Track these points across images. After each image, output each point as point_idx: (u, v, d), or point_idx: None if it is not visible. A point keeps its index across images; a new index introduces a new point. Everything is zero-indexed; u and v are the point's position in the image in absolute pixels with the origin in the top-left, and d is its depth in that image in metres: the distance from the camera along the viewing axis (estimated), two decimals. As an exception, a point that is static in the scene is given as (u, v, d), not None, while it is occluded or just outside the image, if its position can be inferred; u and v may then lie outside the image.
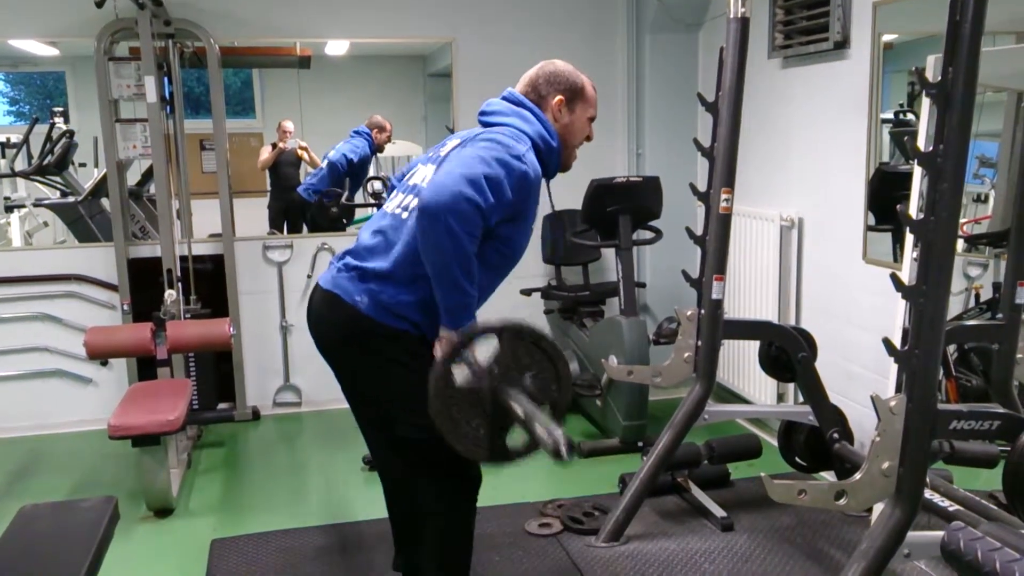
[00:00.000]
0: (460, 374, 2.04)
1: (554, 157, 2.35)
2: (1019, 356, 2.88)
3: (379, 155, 6.31)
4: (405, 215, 2.25)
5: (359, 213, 6.02)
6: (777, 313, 4.10)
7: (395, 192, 2.41)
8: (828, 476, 3.42)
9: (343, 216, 5.88)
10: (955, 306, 3.21)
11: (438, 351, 2.14)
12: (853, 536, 3.14)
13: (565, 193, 4.47)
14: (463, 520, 2.38)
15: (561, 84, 2.37)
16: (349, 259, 2.31)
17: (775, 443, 3.59)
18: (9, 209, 5.80)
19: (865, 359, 3.55)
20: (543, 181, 2.34)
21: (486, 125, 2.34)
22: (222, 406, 4.67)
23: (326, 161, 6.03)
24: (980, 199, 3.42)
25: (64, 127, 5.74)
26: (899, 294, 2.25)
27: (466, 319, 2.14)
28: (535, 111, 2.34)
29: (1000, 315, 2.90)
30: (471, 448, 2.10)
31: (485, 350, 2.06)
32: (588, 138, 2.45)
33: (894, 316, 2.94)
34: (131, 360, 4.50)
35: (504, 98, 2.38)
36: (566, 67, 2.41)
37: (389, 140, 6.08)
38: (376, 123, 6.00)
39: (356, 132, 5.99)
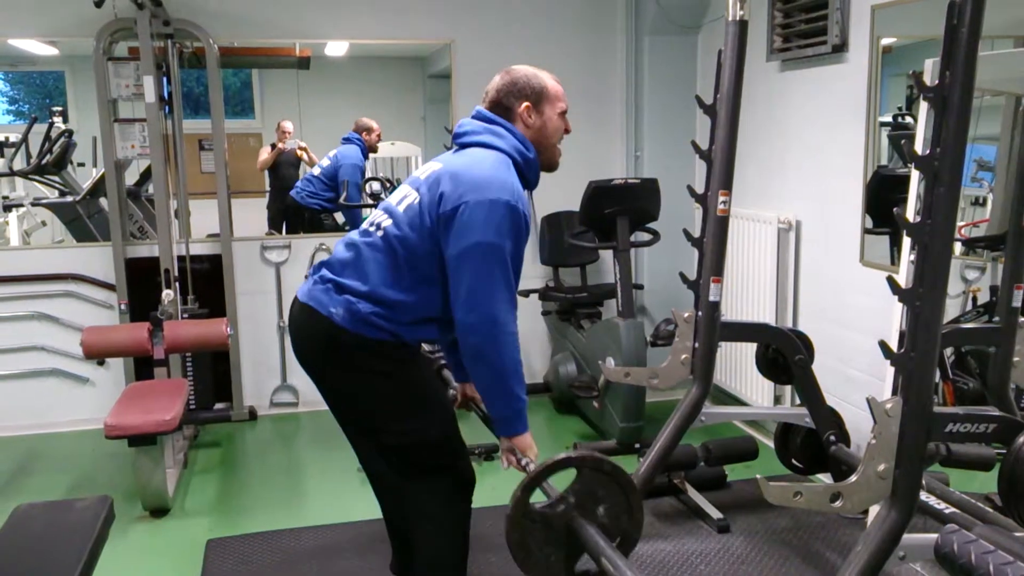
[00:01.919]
0: (537, 503, 2.07)
1: (532, 169, 2.34)
2: (1016, 359, 2.87)
3: (377, 156, 6.31)
4: (380, 233, 2.26)
5: (366, 213, 6.04)
6: (774, 315, 4.10)
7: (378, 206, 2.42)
8: (824, 478, 3.42)
9: (349, 221, 5.89)
10: (953, 309, 3.22)
11: (503, 462, 2.28)
12: (849, 538, 3.15)
13: (563, 194, 4.50)
14: (457, 521, 2.38)
15: (523, 90, 2.33)
16: (325, 271, 2.31)
17: (772, 445, 3.59)
18: (7, 208, 5.79)
19: (862, 362, 3.55)
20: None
21: (462, 146, 2.34)
22: (219, 406, 4.67)
23: (318, 169, 6.03)
24: (978, 202, 3.42)
25: (63, 126, 5.73)
26: (896, 297, 2.25)
27: (520, 427, 2.23)
28: (507, 126, 2.31)
29: (997, 318, 2.90)
30: (541, 573, 2.11)
31: (559, 483, 2.10)
32: (567, 131, 2.42)
33: (891, 319, 2.94)
34: (128, 360, 4.50)
35: (475, 116, 2.37)
36: (524, 71, 2.37)
37: (379, 139, 6.09)
38: (363, 125, 6.02)
39: (347, 139, 6.00)
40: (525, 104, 2.33)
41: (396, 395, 2.28)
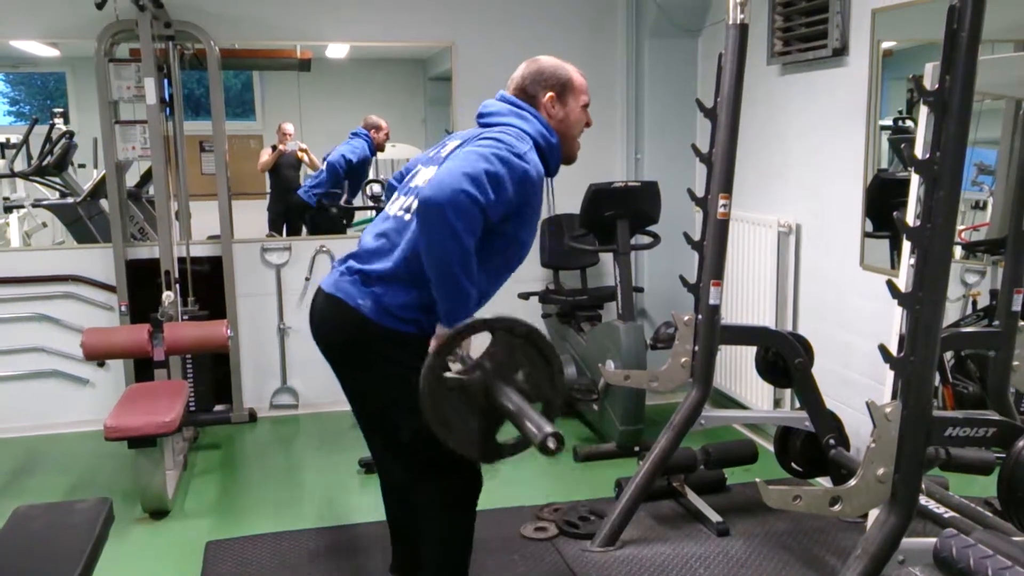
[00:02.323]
0: (452, 370, 2.01)
1: (555, 154, 2.36)
2: (1015, 363, 2.88)
3: (378, 157, 6.32)
4: (408, 216, 2.25)
5: (359, 216, 6.05)
6: (774, 319, 4.10)
7: (396, 194, 2.41)
8: (824, 482, 3.42)
9: (343, 218, 5.90)
10: (953, 313, 3.22)
11: (433, 347, 2.12)
12: (848, 542, 3.14)
13: (564, 197, 4.50)
14: (463, 525, 2.38)
15: (548, 80, 2.36)
16: (352, 262, 2.31)
17: (771, 448, 3.59)
18: (8, 209, 5.81)
19: (862, 365, 3.55)
20: (546, 180, 2.34)
21: (485, 126, 2.34)
22: (219, 408, 4.67)
23: (325, 163, 6.05)
24: (978, 206, 3.42)
25: (64, 128, 5.74)
26: (896, 301, 2.26)
27: (464, 318, 2.12)
28: (531, 111, 2.34)
29: (997, 322, 2.90)
30: (462, 445, 2.06)
31: (478, 346, 2.04)
32: (587, 124, 2.44)
33: (891, 322, 2.94)
34: (128, 361, 4.50)
35: (500, 99, 2.39)
36: (550, 62, 2.40)
37: (387, 139, 6.09)
38: (372, 123, 6.02)
39: (354, 134, 6.01)
40: (550, 94, 2.35)
41: (416, 391, 2.28)
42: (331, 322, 2.31)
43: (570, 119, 2.39)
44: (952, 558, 1.64)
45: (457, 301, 2.12)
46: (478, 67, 4.76)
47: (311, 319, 2.39)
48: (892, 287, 2.24)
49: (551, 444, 1.82)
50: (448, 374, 2.00)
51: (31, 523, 2.15)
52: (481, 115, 2.38)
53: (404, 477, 2.44)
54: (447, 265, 2.06)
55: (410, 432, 2.29)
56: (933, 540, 1.81)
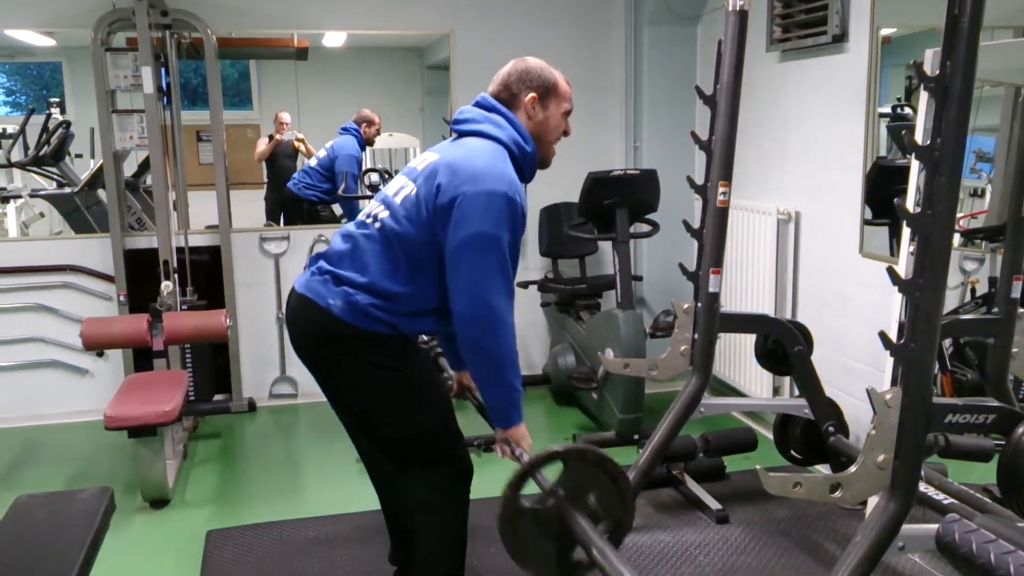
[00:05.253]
0: (527, 496, 2.08)
1: (529, 162, 2.33)
2: (1014, 350, 2.88)
3: (375, 147, 6.30)
4: (377, 225, 2.26)
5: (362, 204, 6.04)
6: (774, 306, 4.10)
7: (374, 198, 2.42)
8: (823, 469, 3.43)
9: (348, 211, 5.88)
10: (951, 300, 3.22)
11: (498, 451, 2.30)
12: (848, 529, 3.15)
13: (562, 186, 4.50)
14: (456, 511, 2.39)
15: (533, 81, 2.33)
16: (322, 263, 2.31)
17: (771, 436, 3.59)
18: (5, 200, 5.80)
19: (861, 353, 3.56)
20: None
21: (460, 133, 2.33)
22: (218, 397, 4.68)
23: (315, 160, 6.02)
24: (977, 194, 3.43)
25: (60, 118, 5.73)
26: (895, 288, 2.25)
27: (516, 417, 2.24)
28: (508, 116, 2.31)
29: (996, 309, 2.90)
30: (538, 568, 2.13)
31: (551, 472, 2.11)
32: (565, 133, 2.41)
33: (890, 310, 2.94)
34: (127, 351, 4.50)
35: (477, 104, 2.36)
36: (537, 63, 2.37)
37: (378, 133, 6.06)
38: (364, 117, 5.99)
39: (344, 129, 5.97)
40: (532, 95, 2.32)
41: (394, 387, 2.28)
42: (303, 322, 2.31)
43: (549, 124, 2.36)
44: (955, 543, 1.64)
45: (509, 401, 2.23)
46: (476, 55, 4.74)
47: (286, 319, 2.41)
48: (892, 274, 2.23)
49: None
50: (524, 502, 2.07)
51: (32, 513, 2.15)
52: (456, 121, 2.37)
53: (392, 470, 2.45)
54: (498, 372, 2.19)
55: (391, 428, 2.31)
56: (933, 527, 1.82)
